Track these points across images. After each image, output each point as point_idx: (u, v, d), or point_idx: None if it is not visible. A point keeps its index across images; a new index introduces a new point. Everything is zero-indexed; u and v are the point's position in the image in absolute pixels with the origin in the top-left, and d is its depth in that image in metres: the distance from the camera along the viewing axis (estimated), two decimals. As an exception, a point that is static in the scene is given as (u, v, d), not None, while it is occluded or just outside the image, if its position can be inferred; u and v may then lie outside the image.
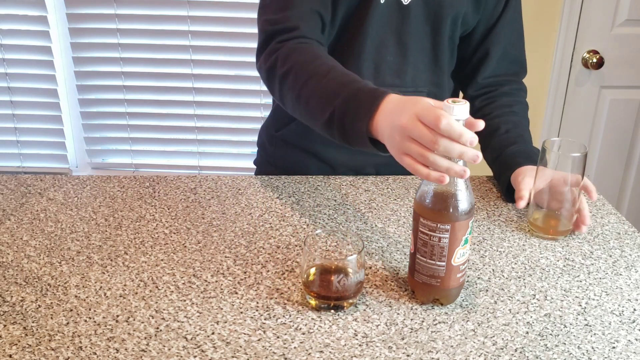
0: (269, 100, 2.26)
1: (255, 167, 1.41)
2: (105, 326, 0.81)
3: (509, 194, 1.13)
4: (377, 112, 0.86)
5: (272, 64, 1.04)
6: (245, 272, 0.93)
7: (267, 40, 1.07)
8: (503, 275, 0.94)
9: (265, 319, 0.83)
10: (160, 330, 0.80)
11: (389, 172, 1.26)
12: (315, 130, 1.01)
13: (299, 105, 1.01)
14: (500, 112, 1.21)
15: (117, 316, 0.83)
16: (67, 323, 0.81)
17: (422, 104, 0.79)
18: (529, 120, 1.25)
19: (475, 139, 0.75)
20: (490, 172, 1.22)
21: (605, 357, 0.78)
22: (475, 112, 1.24)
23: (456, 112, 0.75)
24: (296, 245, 1.00)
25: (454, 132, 0.74)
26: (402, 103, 0.83)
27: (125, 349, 0.77)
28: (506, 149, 1.15)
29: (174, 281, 0.90)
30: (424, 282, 0.85)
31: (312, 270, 0.85)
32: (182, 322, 0.82)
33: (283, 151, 1.29)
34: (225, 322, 0.82)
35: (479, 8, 1.18)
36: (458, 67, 1.27)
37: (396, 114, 0.82)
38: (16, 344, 0.77)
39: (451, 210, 0.79)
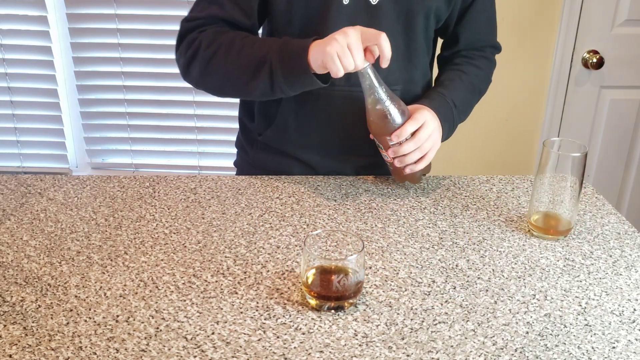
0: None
1: (235, 167, 1.41)
2: (105, 326, 0.81)
3: None
4: (311, 46, 1.02)
5: (195, 47, 1.11)
6: (245, 272, 0.93)
7: (186, 33, 1.14)
8: (503, 275, 0.94)
9: (265, 319, 0.83)
10: (160, 330, 0.80)
11: (367, 173, 1.26)
12: (252, 96, 1.13)
13: (232, 76, 1.10)
14: (446, 68, 1.28)
15: (117, 316, 0.83)
16: (67, 323, 0.81)
17: (361, 27, 1.00)
18: (479, 79, 1.27)
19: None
20: (489, 173, 1.22)
21: (605, 357, 0.78)
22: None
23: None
24: (296, 245, 1.00)
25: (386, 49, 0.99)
26: (338, 31, 1.00)
27: (125, 349, 0.77)
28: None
29: (174, 281, 0.90)
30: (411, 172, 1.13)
31: (312, 271, 0.85)
32: (182, 322, 0.82)
33: (264, 154, 1.28)
34: (225, 322, 0.82)
35: (450, 1, 1.18)
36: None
37: (333, 35, 0.99)
38: (16, 344, 0.77)
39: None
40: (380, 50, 1.00)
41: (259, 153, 1.29)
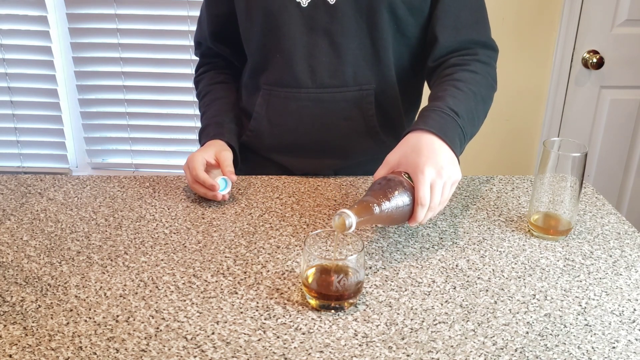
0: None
1: None
2: (105, 326, 0.81)
3: None
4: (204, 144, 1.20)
5: (195, 83, 1.38)
6: (245, 272, 0.93)
7: (198, 66, 1.39)
8: (503, 275, 0.94)
9: (265, 319, 0.83)
10: (160, 330, 0.80)
11: (346, 173, 1.25)
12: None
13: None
14: (436, 82, 1.13)
15: (117, 316, 0.83)
16: (67, 323, 0.81)
17: (195, 158, 1.11)
18: (479, 84, 1.10)
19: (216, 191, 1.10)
20: (489, 173, 1.22)
21: (605, 357, 0.78)
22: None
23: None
24: (296, 245, 1.00)
25: (206, 183, 1.09)
26: (203, 147, 1.17)
27: (125, 349, 0.77)
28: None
29: (174, 281, 0.90)
30: None
31: (312, 271, 0.85)
32: (182, 322, 0.82)
33: (243, 155, 1.28)
34: (225, 322, 0.82)
35: None
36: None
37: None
38: (16, 344, 0.77)
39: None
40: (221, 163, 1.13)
41: (239, 154, 1.30)
